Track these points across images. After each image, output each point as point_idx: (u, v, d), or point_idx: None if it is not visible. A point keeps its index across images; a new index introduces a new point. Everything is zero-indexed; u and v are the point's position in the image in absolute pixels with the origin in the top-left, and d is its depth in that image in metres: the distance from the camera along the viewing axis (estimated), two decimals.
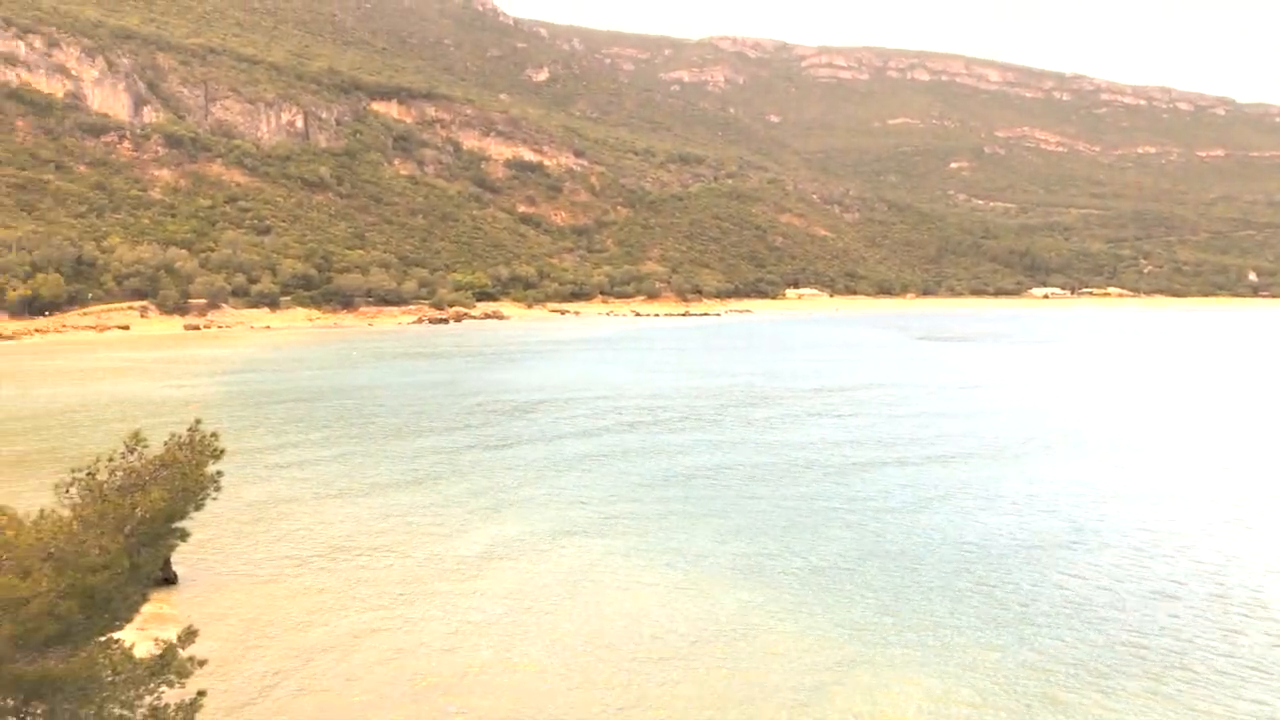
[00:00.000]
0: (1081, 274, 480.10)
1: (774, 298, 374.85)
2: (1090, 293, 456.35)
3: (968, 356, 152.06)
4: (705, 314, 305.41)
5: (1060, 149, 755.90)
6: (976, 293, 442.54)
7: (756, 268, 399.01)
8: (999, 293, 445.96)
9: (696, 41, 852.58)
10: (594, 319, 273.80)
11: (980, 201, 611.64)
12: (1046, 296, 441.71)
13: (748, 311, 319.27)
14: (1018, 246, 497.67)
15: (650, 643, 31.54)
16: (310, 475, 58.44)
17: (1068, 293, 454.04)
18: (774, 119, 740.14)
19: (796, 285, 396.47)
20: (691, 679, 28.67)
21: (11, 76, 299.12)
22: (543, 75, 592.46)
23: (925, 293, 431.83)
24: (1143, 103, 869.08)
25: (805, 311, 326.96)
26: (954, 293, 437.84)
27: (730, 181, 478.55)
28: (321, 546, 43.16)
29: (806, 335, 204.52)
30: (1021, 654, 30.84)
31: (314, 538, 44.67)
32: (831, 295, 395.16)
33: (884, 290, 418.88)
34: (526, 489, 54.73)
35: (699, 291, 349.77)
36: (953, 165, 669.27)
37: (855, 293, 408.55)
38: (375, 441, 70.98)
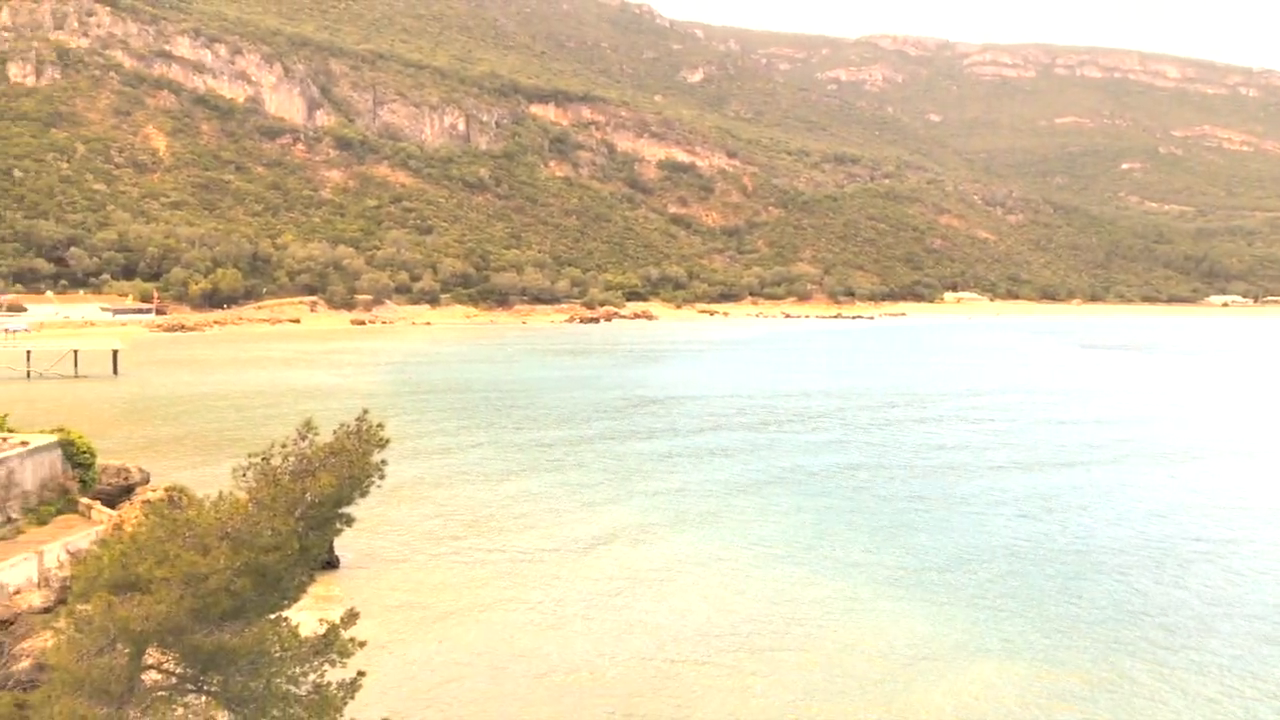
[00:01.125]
0: (1266, 281, 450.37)
1: (930, 301, 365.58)
2: (1276, 301, 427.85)
3: (1134, 365, 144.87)
4: (857, 317, 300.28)
5: (1245, 148, 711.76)
6: (1148, 300, 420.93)
7: (913, 270, 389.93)
8: (1172, 300, 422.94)
9: (855, 40, 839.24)
10: (743, 320, 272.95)
11: (1154, 204, 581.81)
12: (1226, 305, 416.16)
13: (902, 315, 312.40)
14: (1194, 252, 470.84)
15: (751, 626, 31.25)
16: (462, 462, 60.30)
17: (1250, 301, 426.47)
18: (934, 118, 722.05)
19: (954, 289, 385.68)
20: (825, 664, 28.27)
21: (199, 83, 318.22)
22: (697, 76, 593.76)
23: (1092, 299, 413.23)
24: None
25: (963, 316, 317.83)
26: (1123, 299, 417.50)
27: (887, 182, 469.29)
28: (471, 532, 44.49)
29: (962, 340, 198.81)
30: None
31: (464, 523, 46.09)
32: (991, 300, 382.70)
33: (1048, 296, 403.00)
34: (663, 480, 55.12)
35: (851, 294, 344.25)
36: (1124, 166, 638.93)
37: (1017, 297, 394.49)
38: (523, 432, 72.78)
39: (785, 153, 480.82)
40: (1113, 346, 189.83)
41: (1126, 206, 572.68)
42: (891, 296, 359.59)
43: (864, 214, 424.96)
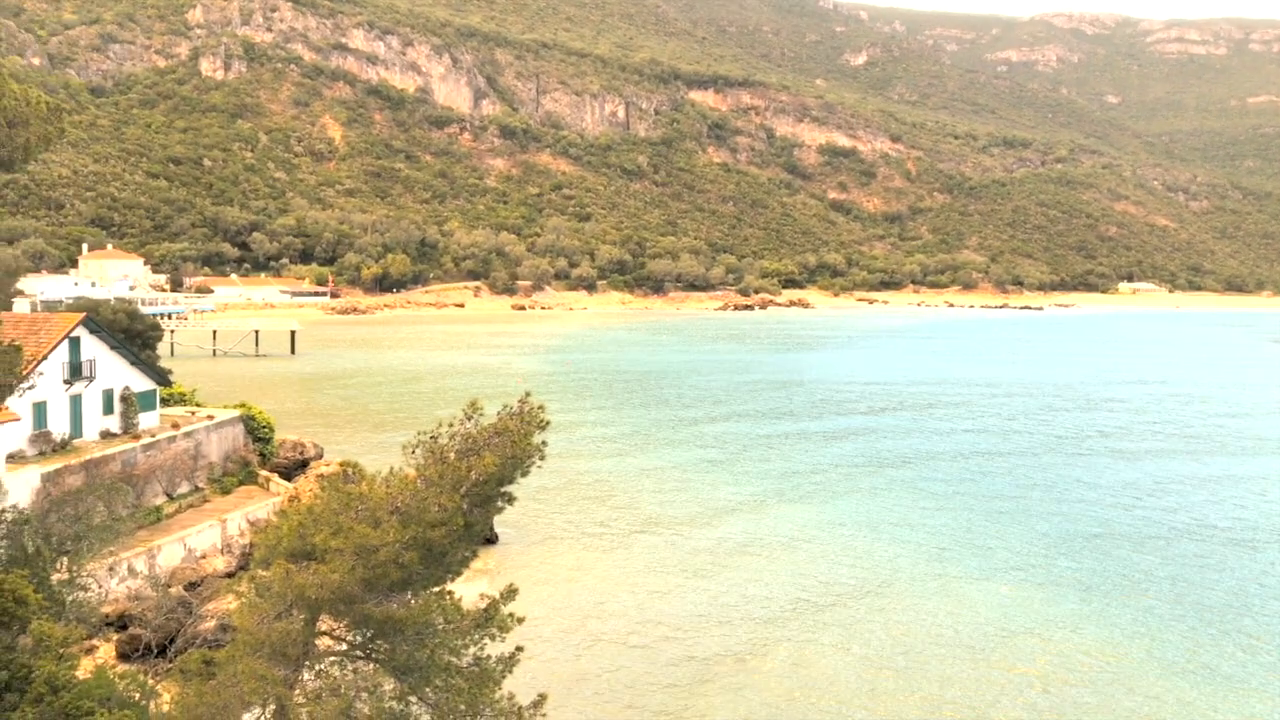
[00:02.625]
0: None
1: (1104, 292, 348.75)
2: None
3: None
4: (1025, 307, 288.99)
5: None
6: None
7: (1085, 259, 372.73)
8: None
9: (1028, 19, 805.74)
10: (904, 309, 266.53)
11: None
12: None
13: (1071, 306, 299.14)
14: None
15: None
16: (615, 445, 61.08)
17: None
18: (1112, 100, 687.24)
19: (1130, 279, 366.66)
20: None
21: (373, 74, 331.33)
22: (860, 59, 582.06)
23: None
24: None
25: (1139, 308, 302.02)
26: None
27: (1059, 167, 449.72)
28: (624, 513, 44.99)
29: (1136, 331, 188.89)
30: None
31: (617, 505, 46.67)
32: (1170, 291, 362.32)
33: (1234, 287, 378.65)
34: (822, 475, 54.35)
35: (1019, 283, 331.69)
36: None
37: (1200, 289, 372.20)
38: (674, 410, 73.33)
39: (951, 136, 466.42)
40: None
41: None
42: (1062, 286, 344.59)
43: (1034, 200, 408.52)
